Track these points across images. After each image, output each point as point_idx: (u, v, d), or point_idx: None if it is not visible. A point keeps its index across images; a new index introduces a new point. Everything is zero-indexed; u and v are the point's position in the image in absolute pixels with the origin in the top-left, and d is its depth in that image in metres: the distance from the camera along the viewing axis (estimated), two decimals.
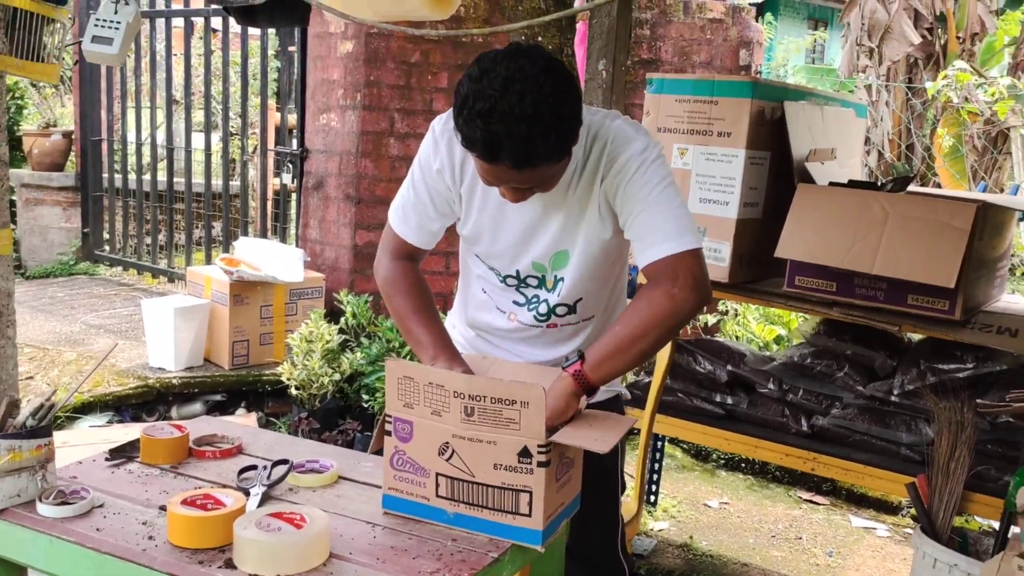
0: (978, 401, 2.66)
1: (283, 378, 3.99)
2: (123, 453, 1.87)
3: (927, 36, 8.43)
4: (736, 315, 4.84)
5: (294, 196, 5.09)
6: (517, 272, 1.94)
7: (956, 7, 8.48)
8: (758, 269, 2.95)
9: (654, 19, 5.03)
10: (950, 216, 2.52)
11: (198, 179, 5.75)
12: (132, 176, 6.03)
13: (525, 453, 1.57)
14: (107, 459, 1.85)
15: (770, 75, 12.95)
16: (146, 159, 5.92)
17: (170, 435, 1.86)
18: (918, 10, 8.38)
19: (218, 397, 4.18)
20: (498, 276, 1.96)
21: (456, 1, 2.44)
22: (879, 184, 3.01)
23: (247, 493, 1.66)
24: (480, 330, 2.07)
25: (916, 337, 3.17)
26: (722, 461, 4.42)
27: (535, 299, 1.96)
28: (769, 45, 14.75)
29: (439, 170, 1.90)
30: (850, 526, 3.90)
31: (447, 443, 1.61)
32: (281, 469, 1.77)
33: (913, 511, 3.83)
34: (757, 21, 5.35)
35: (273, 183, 5.62)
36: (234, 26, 5.02)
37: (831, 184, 2.84)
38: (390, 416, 1.65)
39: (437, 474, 1.62)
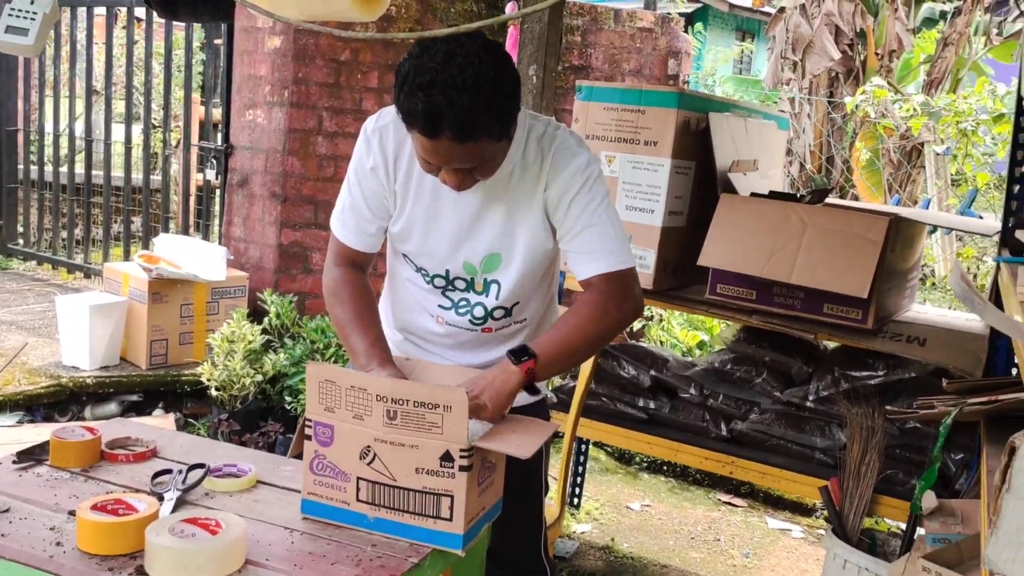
0: (888, 407, 2.76)
1: (203, 379, 3.90)
2: (31, 456, 1.81)
3: (848, 52, 8.70)
4: (661, 320, 4.91)
5: (218, 193, 4.99)
6: (447, 272, 1.93)
7: (875, 24, 8.78)
8: (682, 276, 3.00)
9: (585, 26, 5.07)
10: (864, 229, 2.61)
11: (118, 172, 5.59)
12: (49, 168, 5.84)
13: (447, 457, 1.56)
14: (14, 461, 1.79)
15: (698, 84, 13.17)
16: (64, 151, 5.74)
17: (81, 437, 1.80)
18: (839, 26, 8.64)
19: (134, 397, 4.07)
20: (425, 277, 1.96)
21: (385, 3, 2.43)
22: (798, 196, 3.09)
23: (161, 498, 1.62)
24: (409, 333, 2.07)
25: (831, 345, 3.26)
26: (644, 464, 4.48)
27: (463, 303, 1.95)
28: (698, 55, 15.03)
29: (373, 168, 1.89)
30: (767, 528, 4.00)
31: (369, 447, 1.60)
32: (197, 473, 1.74)
33: (826, 513, 3.94)
34: (686, 30, 5.45)
35: (196, 179, 5.50)
36: (158, 17, 4.90)
37: (753, 195, 2.90)
38: (310, 420, 1.63)
39: (358, 478, 1.61)
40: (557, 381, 3.44)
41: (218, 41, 4.91)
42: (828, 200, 3.30)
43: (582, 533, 3.74)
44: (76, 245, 5.69)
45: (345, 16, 2.49)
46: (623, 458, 4.51)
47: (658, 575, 3.46)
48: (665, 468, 4.44)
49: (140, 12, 5.65)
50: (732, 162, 2.95)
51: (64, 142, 5.72)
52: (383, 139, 1.88)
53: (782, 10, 8.88)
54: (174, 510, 1.60)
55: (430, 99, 1.59)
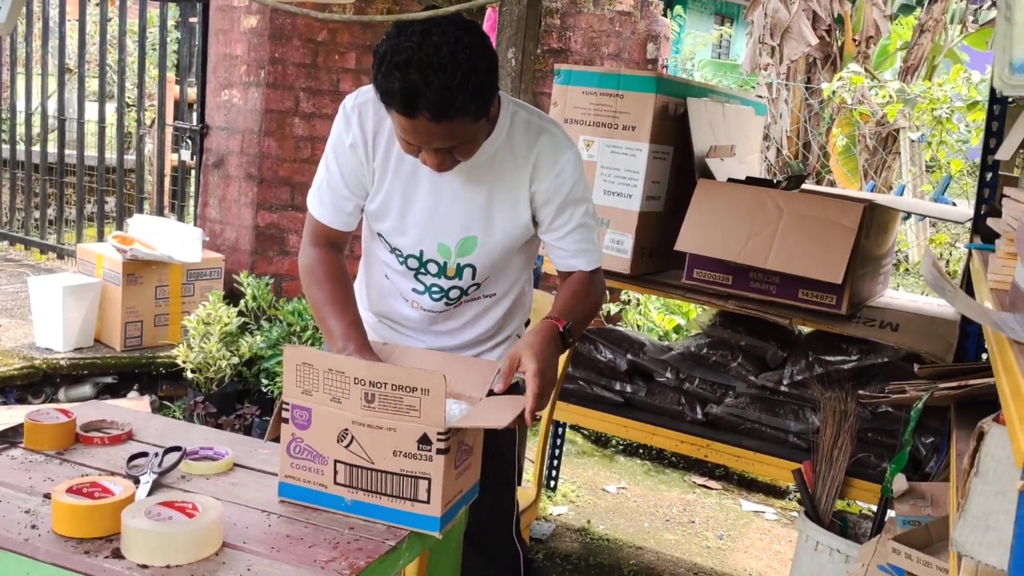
0: (860, 392, 2.80)
1: (178, 361, 3.88)
2: (5, 438, 1.80)
3: (825, 37, 8.73)
4: (638, 304, 4.94)
5: (193, 173, 4.95)
6: (420, 253, 1.93)
7: (853, 10, 8.81)
8: (659, 261, 3.01)
9: (564, 8, 5.06)
10: (839, 215, 2.63)
11: (91, 152, 5.52)
12: (21, 147, 5.76)
13: (425, 440, 1.57)
14: None
15: (677, 69, 13.19)
16: (36, 129, 5.66)
17: (56, 420, 1.79)
18: (817, 12, 8.66)
19: (109, 379, 4.04)
20: (399, 258, 1.95)
21: None
22: (775, 182, 3.11)
23: (137, 481, 1.62)
24: (384, 316, 2.07)
25: (806, 330, 3.30)
26: (621, 447, 4.51)
27: (435, 288, 1.95)
28: (676, 38, 15.02)
29: (352, 145, 1.88)
30: (740, 510, 4.04)
31: (346, 430, 1.60)
32: (173, 456, 1.73)
33: (799, 496, 3.99)
34: (665, 14, 5.45)
35: (171, 159, 5.44)
36: None
37: (730, 180, 2.92)
38: (287, 403, 1.63)
39: (335, 461, 1.61)
40: None
41: (193, 20, 4.85)
42: (804, 186, 3.32)
43: (558, 515, 3.76)
44: (49, 225, 5.62)
45: None
46: (599, 441, 4.54)
47: (633, 557, 3.50)
48: (641, 451, 4.47)
49: None
50: (710, 147, 2.97)
51: (36, 121, 5.64)
52: (362, 116, 1.87)
53: None
54: (150, 493, 1.59)
55: (407, 78, 1.59)
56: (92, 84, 5.99)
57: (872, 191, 4.02)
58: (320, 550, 1.48)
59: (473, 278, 1.94)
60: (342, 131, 1.90)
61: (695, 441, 3.09)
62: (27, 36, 5.57)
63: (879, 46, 9.15)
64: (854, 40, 8.78)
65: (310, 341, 3.89)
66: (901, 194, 3.97)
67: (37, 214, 5.66)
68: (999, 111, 2.78)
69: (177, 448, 1.75)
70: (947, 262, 6.76)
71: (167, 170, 5.32)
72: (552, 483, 3.90)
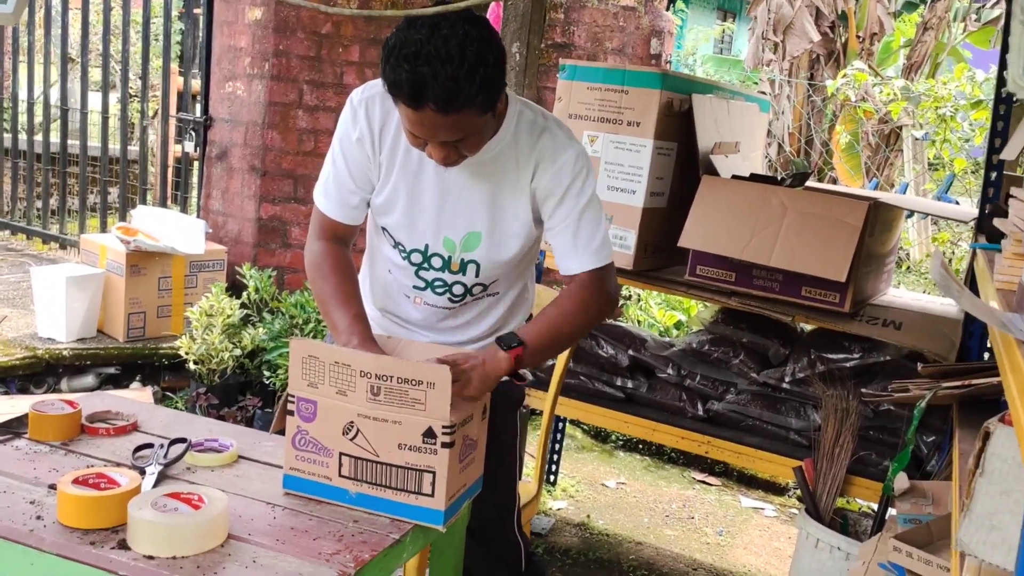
0: (863, 390, 2.80)
1: (181, 352, 3.88)
2: (10, 429, 1.80)
3: (829, 34, 8.72)
4: (639, 300, 4.94)
5: (196, 165, 4.95)
6: (425, 247, 1.93)
7: (857, 7, 8.79)
8: (662, 257, 3.02)
9: (568, 3, 5.05)
10: (844, 213, 2.63)
11: (94, 142, 5.52)
12: (23, 136, 5.75)
13: (430, 434, 1.57)
14: None
15: (679, 64, 13.18)
16: (38, 119, 5.65)
17: (61, 411, 1.79)
18: (820, 8, 8.65)
19: (112, 370, 4.04)
20: (403, 253, 1.95)
21: None
22: (779, 179, 3.11)
23: (142, 472, 1.62)
24: (387, 312, 2.07)
25: (808, 327, 3.30)
26: (620, 442, 4.52)
27: (439, 283, 1.96)
28: (679, 34, 15.00)
29: (358, 139, 1.89)
30: (740, 506, 4.05)
31: (352, 422, 1.60)
32: (178, 448, 1.74)
33: (799, 493, 4.00)
34: (668, 9, 5.44)
35: (174, 150, 5.43)
36: None
37: (734, 177, 2.92)
38: (293, 396, 1.63)
39: (340, 454, 1.62)
40: None
41: (197, 11, 4.85)
42: (808, 183, 3.32)
43: (558, 510, 3.77)
44: (51, 215, 5.62)
45: None
46: (599, 436, 4.55)
47: (633, 552, 3.50)
48: (641, 446, 4.48)
49: None
50: (714, 144, 2.96)
51: (39, 110, 5.64)
52: (369, 110, 1.88)
53: None
54: (156, 484, 1.60)
55: (415, 69, 1.60)
56: (95, 74, 5.98)
57: (875, 189, 4.02)
58: (325, 543, 1.49)
59: (477, 276, 1.94)
60: (349, 125, 1.90)
61: (696, 437, 3.10)
62: (29, 25, 5.55)
63: (882, 43, 9.13)
64: (858, 37, 8.77)
65: (312, 334, 3.90)
66: (904, 192, 3.97)
67: (39, 204, 5.65)
68: (1004, 110, 2.78)
69: (182, 440, 1.76)
70: (950, 260, 6.76)
71: (170, 161, 5.31)
72: (552, 478, 3.91)
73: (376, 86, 1.87)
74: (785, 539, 3.76)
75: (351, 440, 1.61)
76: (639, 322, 4.75)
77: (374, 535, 1.53)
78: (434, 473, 1.58)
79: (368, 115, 1.88)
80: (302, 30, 4.38)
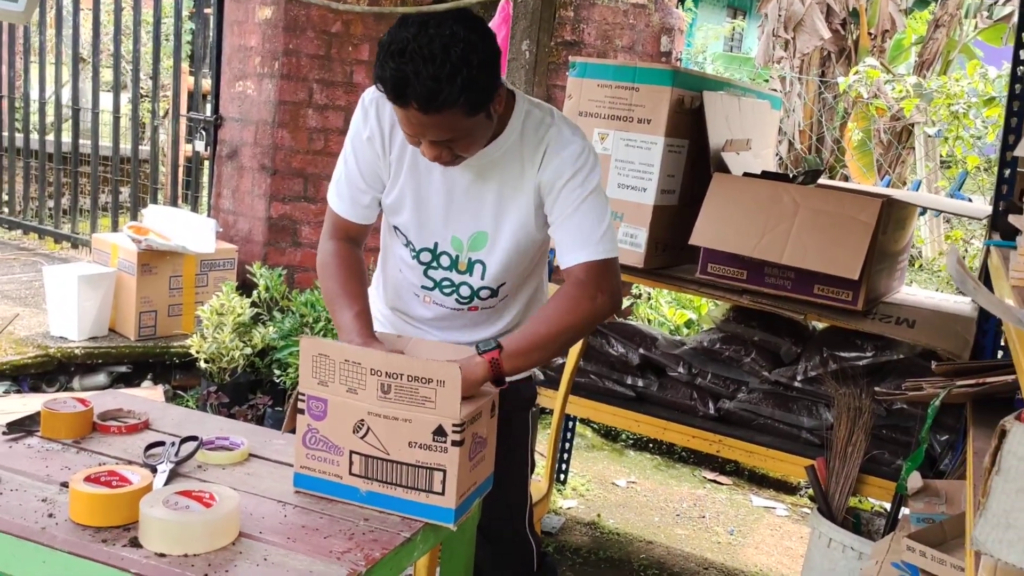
0: (876, 388, 2.78)
1: (192, 351, 3.89)
2: (22, 427, 1.80)
3: (840, 31, 8.68)
4: (649, 298, 4.92)
5: (206, 164, 4.96)
6: (435, 245, 1.93)
7: (868, 4, 8.75)
8: (673, 255, 3.00)
9: (578, 1, 5.04)
10: (857, 210, 2.61)
11: (105, 142, 5.53)
12: (35, 136, 5.77)
13: (440, 432, 1.57)
14: (4, 433, 1.78)
15: (689, 62, 13.14)
16: (50, 119, 5.67)
17: (73, 409, 1.79)
18: (831, 5, 8.61)
19: (123, 369, 4.06)
20: (412, 252, 1.96)
21: None
22: (791, 176, 3.09)
23: (154, 470, 1.62)
24: (398, 311, 2.07)
25: (820, 325, 3.28)
26: (631, 441, 4.51)
27: (446, 282, 1.95)
28: (688, 32, 14.97)
29: (369, 138, 1.89)
30: (751, 505, 4.03)
31: (362, 420, 1.60)
32: (190, 446, 1.74)
33: (811, 492, 3.98)
34: (678, 7, 5.42)
35: (185, 149, 5.45)
36: None
37: (745, 174, 2.90)
38: (303, 394, 1.63)
39: (351, 452, 1.61)
40: None
41: (208, 10, 4.85)
42: (820, 181, 3.30)
43: (568, 509, 3.76)
44: (63, 215, 5.64)
45: None
46: (609, 435, 4.54)
47: (644, 551, 3.49)
48: (651, 445, 4.47)
49: None
50: (725, 141, 2.95)
51: (50, 110, 5.66)
52: (380, 110, 1.88)
53: None
54: (167, 482, 1.60)
55: (399, 67, 1.61)
56: (106, 74, 6.00)
57: (888, 186, 4.00)
58: (336, 541, 1.48)
59: (483, 278, 1.93)
60: (360, 124, 1.91)
61: (707, 436, 3.08)
62: (40, 25, 5.57)
63: (894, 40, 9.09)
64: (869, 34, 8.73)
65: (322, 332, 3.90)
66: (917, 189, 3.95)
67: (51, 203, 5.68)
68: (1019, 107, 2.76)
69: (193, 438, 1.76)
70: (963, 258, 6.72)
71: (181, 161, 5.32)
72: (562, 477, 3.90)
73: None
74: (797, 538, 3.74)
75: (361, 438, 1.60)
76: (649, 321, 4.74)
77: (385, 533, 1.53)
78: (444, 471, 1.58)
79: (379, 114, 1.88)
80: (312, 29, 4.39)
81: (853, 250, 2.57)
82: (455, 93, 1.61)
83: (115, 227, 5.23)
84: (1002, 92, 6.67)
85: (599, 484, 4.04)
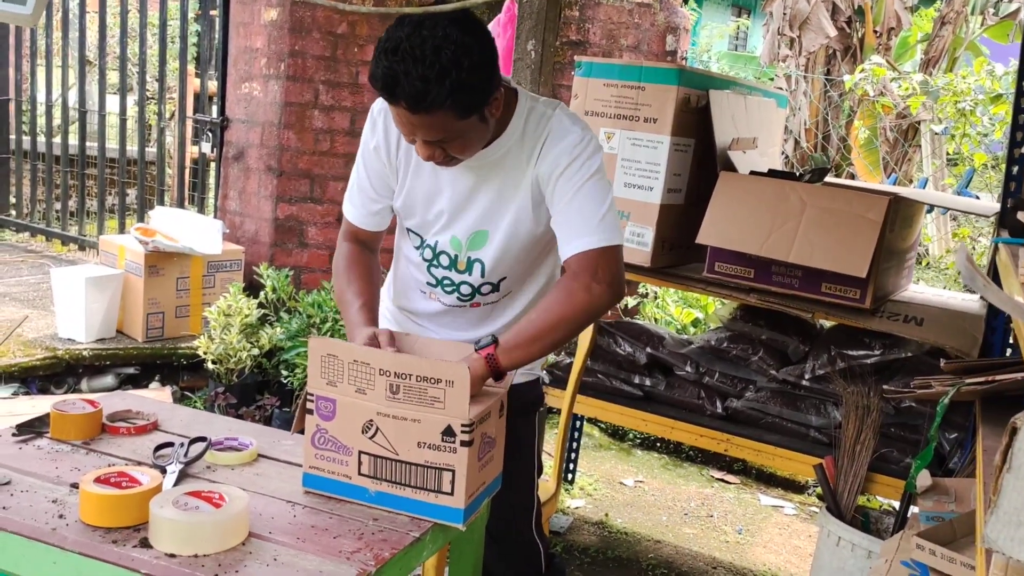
0: (884, 387, 2.77)
1: (200, 352, 3.90)
2: (31, 428, 1.81)
3: (845, 29, 8.66)
4: (656, 297, 4.92)
5: (213, 165, 4.96)
6: (435, 245, 1.94)
7: (873, 2, 8.73)
8: (680, 254, 3.00)
9: (583, 1, 5.04)
10: (864, 208, 2.61)
11: (112, 144, 5.55)
12: (41, 138, 5.79)
13: (449, 432, 1.57)
14: (14, 434, 1.78)
15: (693, 61, 13.12)
16: (57, 121, 5.69)
17: (82, 410, 1.80)
18: (836, 3, 8.59)
19: (131, 370, 4.06)
20: (418, 250, 1.98)
21: None
22: (798, 174, 3.09)
23: (163, 471, 1.63)
24: (406, 310, 2.08)
25: (828, 324, 3.27)
26: (638, 440, 4.50)
27: (447, 281, 1.96)
28: (692, 31, 14.94)
29: (375, 148, 1.93)
30: (759, 504, 4.03)
31: (371, 421, 1.60)
32: (199, 447, 1.74)
33: (819, 490, 3.98)
34: (683, 6, 5.41)
35: (191, 151, 5.46)
36: None
37: (752, 173, 2.90)
38: (312, 394, 1.63)
39: (360, 452, 1.61)
40: (552, 358, 3.44)
41: (213, 12, 4.86)
42: (827, 179, 3.29)
43: (576, 508, 3.76)
44: (70, 217, 5.66)
45: None
46: (616, 434, 4.54)
47: (652, 550, 3.49)
48: (658, 444, 4.46)
49: None
50: (732, 140, 2.95)
51: (57, 112, 5.67)
52: (387, 119, 1.90)
53: None
54: (177, 483, 1.61)
55: (391, 65, 1.62)
56: (113, 76, 6.01)
57: (894, 184, 3.99)
58: (345, 541, 1.48)
59: (483, 275, 1.93)
60: (368, 134, 1.95)
61: (715, 435, 3.08)
62: (47, 28, 5.59)
63: (899, 38, 9.07)
64: (875, 32, 8.71)
65: (330, 332, 3.90)
66: (923, 187, 3.93)
67: (58, 206, 5.69)
68: None
69: (202, 438, 1.76)
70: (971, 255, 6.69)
71: (187, 162, 5.34)
72: (569, 476, 3.90)
73: None
74: (805, 537, 3.73)
75: (370, 438, 1.60)
76: (656, 320, 4.73)
77: (394, 533, 1.53)
78: (453, 471, 1.58)
79: (385, 124, 1.91)
80: (317, 30, 4.39)
81: (861, 248, 2.56)
82: (443, 95, 1.62)
83: (122, 229, 5.24)
84: (1009, 89, 6.64)
85: (607, 483, 4.04)
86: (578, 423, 3.87)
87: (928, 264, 8.06)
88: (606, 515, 3.72)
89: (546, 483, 3.08)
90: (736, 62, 15.19)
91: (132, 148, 5.58)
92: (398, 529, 1.55)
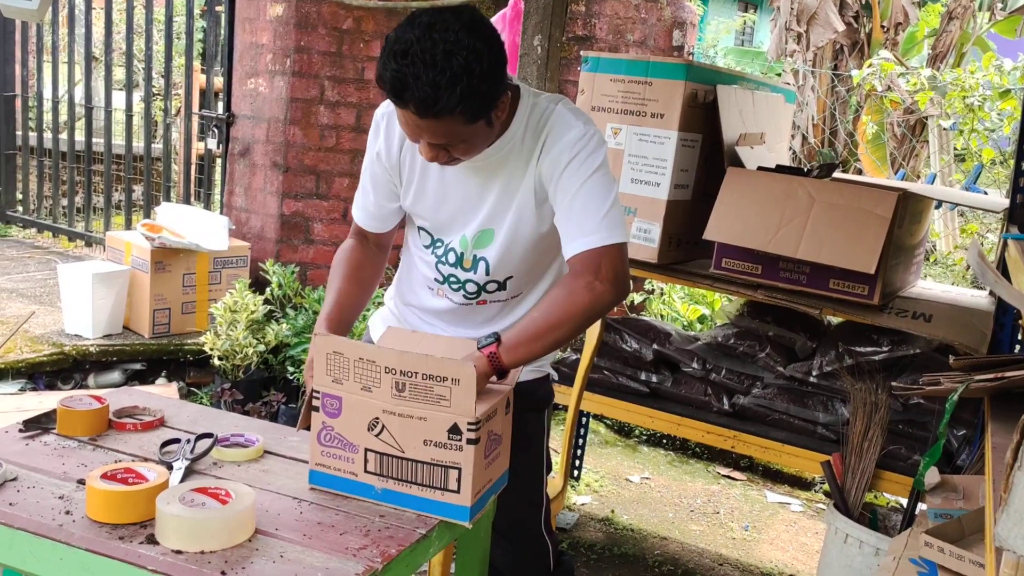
0: (892, 383, 2.76)
1: (206, 348, 3.90)
2: (38, 424, 1.81)
3: (853, 24, 8.63)
4: (662, 294, 4.91)
5: (219, 162, 4.96)
6: (442, 242, 1.95)
7: None
8: (687, 250, 2.99)
9: None
10: (873, 204, 2.59)
11: (118, 140, 5.55)
12: (48, 135, 5.80)
13: (455, 430, 1.57)
14: (21, 430, 1.78)
15: (700, 56, 13.08)
16: (63, 117, 5.69)
17: (89, 406, 1.80)
18: None
19: (138, 366, 4.07)
20: (426, 247, 1.98)
21: None
22: (806, 170, 3.07)
23: (170, 467, 1.63)
24: (412, 306, 2.08)
25: (836, 320, 3.26)
26: (644, 437, 4.49)
27: (453, 279, 1.96)
28: (699, 25, 14.89)
29: (377, 154, 1.94)
30: (766, 501, 4.02)
31: (377, 418, 1.60)
32: (205, 443, 1.74)
33: (826, 487, 3.96)
34: (689, 1, 5.39)
35: (197, 147, 5.46)
36: None
37: (760, 169, 2.89)
38: (318, 392, 1.63)
39: (366, 450, 1.61)
40: (559, 354, 3.44)
41: (219, 8, 4.86)
42: (835, 174, 3.28)
43: (582, 505, 3.76)
44: (77, 213, 5.67)
45: None
46: (622, 431, 4.53)
47: (658, 547, 3.49)
48: (664, 441, 4.46)
49: None
50: (739, 135, 2.93)
51: (63, 108, 5.68)
52: (389, 124, 1.91)
53: None
54: (183, 479, 1.60)
55: (400, 68, 1.60)
56: (119, 73, 6.01)
57: (902, 179, 3.97)
58: (351, 537, 1.48)
59: (488, 273, 1.93)
60: (371, 141, 1.96)
61: (722, 432, 3.07)
62: (53, 24, 5.59)
63: (907, 33, 9.02)
64: (882, 27, 8.67)
65: None
66: (931, 183, 3.91)
67: (65, 202, 5.70)
68: None
69: (209, 435, 1.76)
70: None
71: (193, 159, 5.34)
72: (576, 473, 3.90)
73: None
74: (812, 534, 3.72)
75: (376, 436, 1.60)
76: (662, 316, 4.72)
77: (400, 530, 1.53)
78: (460, 469, 1.57)
79: (388, 129, 1.91)
80: (323, 26, 4.39)
81: (869, 244, 2.55)
82: (454, 101, 1.61)
83: (128, 225, 5.25)
84: (1017, 84, 6.61)
85: (613, 480, 4.04)
86: (584, 420, 3.86)
87: (936, 260, 8.03)
88: (612, 512, 3.72)
89: (553, 480, 3.07)
90: (743, 57, 15.15)
91: (138, 144, 5.58)
92: (404, 526, 1.55)
